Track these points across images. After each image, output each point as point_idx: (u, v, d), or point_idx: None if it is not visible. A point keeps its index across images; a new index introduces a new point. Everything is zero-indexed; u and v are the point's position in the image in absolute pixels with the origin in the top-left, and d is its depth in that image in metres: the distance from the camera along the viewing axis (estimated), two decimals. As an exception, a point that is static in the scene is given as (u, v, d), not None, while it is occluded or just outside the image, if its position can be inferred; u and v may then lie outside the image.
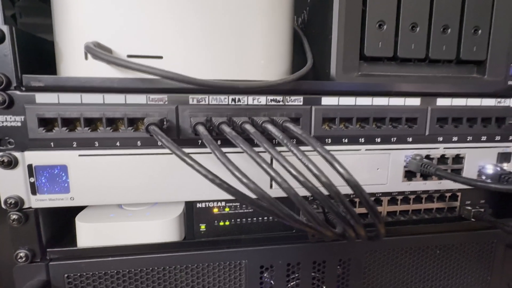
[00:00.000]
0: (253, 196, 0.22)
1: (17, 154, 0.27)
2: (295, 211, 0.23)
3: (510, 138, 0.36)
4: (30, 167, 0.28)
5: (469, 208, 0.38)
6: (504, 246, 0.39)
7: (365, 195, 0.22)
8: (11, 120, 0.27)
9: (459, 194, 0.39)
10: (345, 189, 0.22)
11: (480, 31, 0.33)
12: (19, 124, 0.27)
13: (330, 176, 0.22)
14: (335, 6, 0.31)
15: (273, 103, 0.30)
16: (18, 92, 0.27)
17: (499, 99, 0.35)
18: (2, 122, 0.27)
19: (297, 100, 0.31)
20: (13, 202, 0.28)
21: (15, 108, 0.27)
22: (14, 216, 0.28)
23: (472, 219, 0.38)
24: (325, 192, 0.22)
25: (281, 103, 0.31)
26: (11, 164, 0.27)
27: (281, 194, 0.22)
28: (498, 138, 0.36)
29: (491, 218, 0.37)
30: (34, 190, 0.28)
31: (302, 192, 0.22)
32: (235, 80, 0.29)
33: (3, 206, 0.28)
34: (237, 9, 0.29)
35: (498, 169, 0.35)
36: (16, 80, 0.26)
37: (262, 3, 0.30)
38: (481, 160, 0.36)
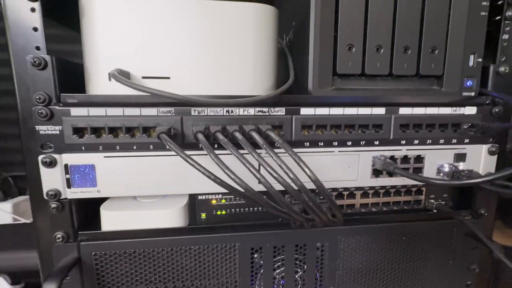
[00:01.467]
0: (240, 188, 0.29)
1: (56, 156, 0.34)
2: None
3: (465, 141, 0.42)
4: (66, 166, 0.35)
5: (432, 201, 0.45)
6: (463, 234, 0.45)
7: (325, 190, 0.28)
8: (52, 129, 0.34)
9: (424, 189, 0.45)
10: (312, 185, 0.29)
11: (437, 51, 0.39)
12: (57, 132, 0.34)
13: (299, 174, 0.29)
14: (311, 31, 0.37)
15: (260, 113, 0.37)
16: (57, 107, 0.34)
17: (454, 108, 0.41)
18: (45, 130, 0.34)
19: (280, 111, 0.37)
20: (53, 194, 0.35)
21: (54, 120, 0.34)
22: (54, 205, 0.35)
23: (435, 211, 0.44)
24: (294, 186, 0.28)
25: (266, 113, 0.37)
26: (52, 164, 0.34)
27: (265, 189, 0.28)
28: (454, 141, 0.42)
29: (449, 210, 0.43)
30: (69, 184, 0.35)
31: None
32: (229, 95, 0.36)
33: (45, 197, 0.35)
34: (231, 39, 0.36)
35: (453, 167, 0.41)
36: (55, 97, 0.34)
37: (253, 33, 0.37)
38: (439, 160, 0.42)
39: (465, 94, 0.41)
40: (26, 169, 0.35)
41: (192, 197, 0.40)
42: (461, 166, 0.42)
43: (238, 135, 0.32)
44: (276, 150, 0.31)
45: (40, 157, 0.34)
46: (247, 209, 0.41)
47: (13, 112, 0.86)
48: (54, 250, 0.36)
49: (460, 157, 0.42)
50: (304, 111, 0.38)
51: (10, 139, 0.91)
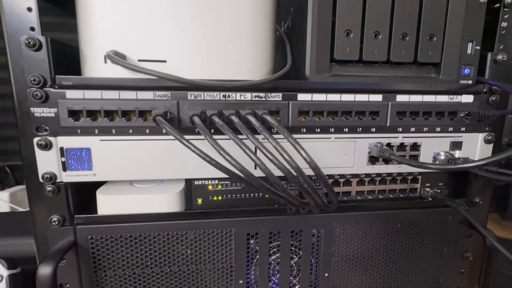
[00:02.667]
0: (236, 171, 0.29)
1: (51, 138, 0.34)
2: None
3: (461, 129, 0.42)
4: (61, 149, 0.35)
5: (428, 189, 0.45)
6: (458, 222, 0.45)
7: (320, 172, 0.28)
8: (47, 112, 0.34)
9: (419, 177, 0.45)
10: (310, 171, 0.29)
11: (435, 38, 0.39)
12: (53, 115, 0.34)
13: (296, 158, 0.29)
14: (309, 17, 0.37)
15: (257, 98, 0.37)
16: (52, 90, 0.34)
17: (451, 96, 0.41)
18: (40, 113, 0.34)
19: (277, 96, 0.37)
20: (48, 176, 0.35)
21: (50, 102, 0.34)
22: (49, 188, 0.35)
23: (430, 199, 0.44)
24: (290, 169, 0.28)
25: (263, 98, 0.37)
26: (47, 146, 0.34)
27: (263, 174, 0.28)
28: (451, 129, 0.42)
29: (444, 197, 0.43)
30: (64, 167, 0.35)
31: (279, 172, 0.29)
32: (226, 80, 0.36)
33: (40, 180, 0.35)
34: (229, 22, 0.36)
35: (448, 155, 0.41)
36: (50, 79, 0.33)
37: (250, 18, 0.36)
38: (435, 148, 0.42)
39: (462, 82, 0.41)
40: (22, 152, 0.35)
41: (189, 182, 0.40)
42: (457, 154, 0.42)
43: (234, 118, 0.32)
44: (273, 135, 0.31)
45: (36, 140, 0.34)
46: (243, 195, 0.41)
47: (9, 100, 0.86)
48: (50, 233, 0.37)
49: (456, 145, 0.42)
50: (301, 97, 0.38)
51: (6, 128, 0.91)
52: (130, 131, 0.36)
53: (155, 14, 0.34)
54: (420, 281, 0.47)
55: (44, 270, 0.32)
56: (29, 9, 0.32)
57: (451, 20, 0.39)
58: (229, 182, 0.41)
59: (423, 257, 0.46)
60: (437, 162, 0.42)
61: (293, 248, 0.43)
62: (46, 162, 0.35)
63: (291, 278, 0.44)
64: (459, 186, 0.46)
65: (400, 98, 0.40)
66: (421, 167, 0.34)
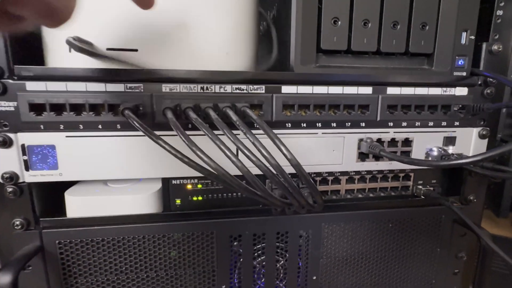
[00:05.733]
0: (211, 170, 0.26)
1: (11, 135, 0.31)
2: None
3: (455, 124, 0.40)
4: (23, 146, 0.32)
5: (420, 187, 0.43)
6: (452, 221, 0.43)
7: (302, 170, 0.26)
8: (5, 105, 0.31)
9: (412, 174, 0.43)
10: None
11: (427, 27, 0.37)
12: (12, 109, 0.31)
13: (278, 157, 0.26)
14: (293, 4, 0.34)
15: (237, 91, 0.34)
16: (10, 81, 0.30)
17: (445, 88, 0.39)
18: (-2, 107, 0.31)
19: (259, 89, 0.35)
20: (8, 176, 0.32)
21: (8, 95, 0.31)
22: (10, 189, 0.32)
23: (422, 197, 0.42)
24: (270, 167, 0.26)
25: (245, 91, 0.34)
26: (6, 143, 0.31)
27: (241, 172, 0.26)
28: (444, 123, 0.40)
29: (437, 195, 0.41)
30: (27, 166, 0.32)
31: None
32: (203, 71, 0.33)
33: (0, 180, 0.32)
34: (207, 7, 0.33)
35: (441, 151, 0.39)
36: (8, 70, 0.30)
37: (227, 4, 0.34)
38: (428, 144, 0.40)
39: (456, 73, 0.39)
40: (-21, 150, 0.32)
41: (166, 182, 0.37)
42: (451, 150, 0.40)
43: (211, 112, 0.29)
44: (255, 132, 0.29)
45: (-7, 136, 0.31)
46: (225, 194, 0.39)
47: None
48: (13, 238, 0.34)
49: (450, 141, 0.40)
50: (286, 89, 0.35)
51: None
52: (99, 126, 0.33)
53: (126, -2, 0.31)
54: (412, 282, 0.45)
55: (3, 279, 0.29)
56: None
57: (445, 8, 0.37)
58: (209, 182, 0.38)
59: (416, 258, 0.44)
60: (429, 159, 0.40)
61: (279, 250, 0.40)
62: (6, 160, 0.32)
63: (277, 282, 0.41)
64: (452, 184, 0.44)
65: (391, 90, 0.38)
66: (413, 164, 0.32)
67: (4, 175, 0.32)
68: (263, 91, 0.35)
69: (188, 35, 0.33)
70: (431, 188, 0.42)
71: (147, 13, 0.31)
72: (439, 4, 0.37)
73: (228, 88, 0.34)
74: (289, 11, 0.35)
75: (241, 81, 0.34)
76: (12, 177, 0.32)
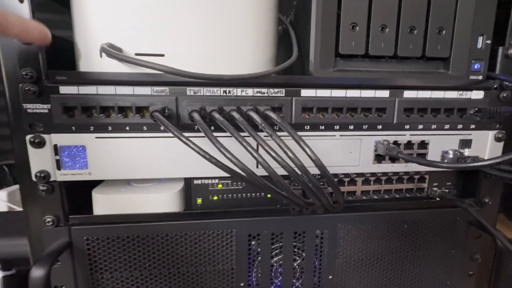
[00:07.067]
0: (237, 169, 0.27)
1: (45, 136, 0.33)
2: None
3: (471, 127, 0.41)
4: (55, 147, 0.33)
5: (436, 189, 0.43)
6: (467, 223, 0.44)
7: (326, 170, 0.27)
8: (40, 108, 0.32)
9: (427, 176, 0.44)
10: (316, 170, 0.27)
11: (444, 32, 0.38)
12: (46, 111, 0.33)
13: (302, 158, 0.27)
14: (313, 10, 0.35)
15: (258, 94, 0.35)
16: (45, 85, 0.32)
17: (461, 92, 0.40)
18: (33, 109, 0.32)
19: (279, 92, 0.36)
20: (42, 175, 0.33)
21: (43, 98, 0.32)
22: (43, 188, 0.34)
23: (438, 199, 0.43)
24: (296, 169, 0.27)
25: (266, 94, 0.36)
26: (40, 144, 0.33)
27: (266, 173, 0.27)
28: (460, 126, 0.40)
29: (453, 197, 0.42)
30: (58, 166, 0.34)
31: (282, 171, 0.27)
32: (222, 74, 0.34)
33: (33, 179, 0.34)
34: (229, 13, 0.34)
35: (457, 153, 0.39)
36: (44, 74, 0.32)
37: (251, 10, 0.35)
38: (444, 146, 0.40)
39: (472, 77, 0.39)
40: (14, 149, 0.33)
41: (188, 182, 0.39)
42: (467, 152, 0.41)
43: (235, 114, 0.31)
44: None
45: (28, 137, 0.32)
46: (244, 194, 0.40)
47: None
48: (44, 234, 0.35)
49: (466, 143, 0.41)
50: (305, 92, 0.36)
51: (2, 127, 0.89)
52: (127, 128, 0.34)
53: (152, 5, 0.33)
54: (427, 283, 0.46)
55: (37, 273, 0.31)
56: (21, 1, 0.30)
57: (461, 13, 0.37)
58: (229, 181, 0.39)
59: (430, 259, 0.45)
60: (445, 161, 0.40)
61: (296, 250, 0.41)
62: (40, 160, 0.33)
63: (294, 281, 0.42)
64: (467, 186, 0.45)
65: (408, 94, 0.39)
66: (431, 166, 0.33)
67: (37, 174, 0.33)
68: (283, 94, 0.36)
69: (214, 40, 0.34)
70: (447, 190, 0.43)
71: (174, 18, 0.33)
72: (455, 9, 0.37)
73: (250, 91, 0.35)
74: (308, 17, 0.36)
75: (262, 84, 0.35)
76: (45, 176, 0.33)
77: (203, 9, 0.33)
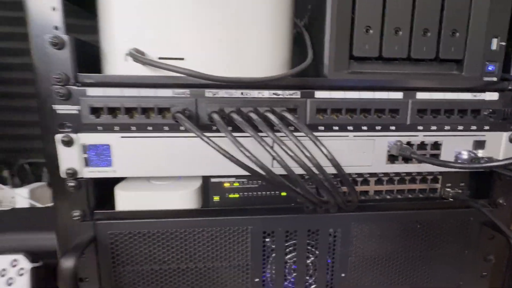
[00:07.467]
0: (255, 167, 0.29)
1: (73, 135, 0.35)
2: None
3: (485, 128, 0.41)
4: (83, 145, 0.35)
5: (449, 189, 0.44)
6: (480, 223, 0.44)
7: (341, 169, 0.28)
8: (69, 109, 0.35)
9: (440, 177, 0.44)
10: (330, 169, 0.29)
11: (457, 34, 0.38)
12: (75, 112, 0.35)
13: (318, 158, 0.28)
14: (327, 13, 0.36)
15: (274, 96, 0.37)
16: (74, 87, 0.34)
17: (475, 93, 0.40)
18: (63, 110, 0.34)
19: (294, 94, 0.37)
20: (71, 172, 0.35)
21: (72, 100, 0.34)
22: (71, 184, 0.36)
23: (451, 199, 0.43)
24: (310, 166, 0.28)
25: (281, 96, 0.37)
26: (69, 143, 0.35)
27: (280, 172, 0.28)
28: (474, 127, 0.41)
29: (466, 198, 0.42)
30: (86, 163, 0.36)
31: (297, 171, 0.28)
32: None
33: (63, 175, 0.36)
34: (246, 19, 0.36)
35: (472, 154, 0.40)
36: (73, 77, 0.34)
37: (268, 16, 0.36)
38: (457, 147, 0.41)
39: (486, 79, 0.40)
40: (44, 148, 0.35)
41: (205, 180, 0.40)
42: (480, 153, 0.41)
43: (253, 115, 0.32)
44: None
45: (58, 136, 0.35)
46: (259, 193, 0.41)
47: (29, 100, 0.88)
48: (71, 228, 0.37)
49: (479, 145, 0.41)
50: (319, 94, 0.38)
51: (24, 127, 0.93)
52: (149, 128, 0.36)
53: (173, 12, 0.34)
54: (439, 283, 0.46)
55: (67, 264, 0.33)
56: (53, 9, 0.33)
57: (475, 15, 0.38)
58: (245, 180, 0.41)
59: (443, 259, 0.45)
60: (459, 161, 0.41)
61: (309, 247, 0.42)
62: (69, 158, 0.35)
63: (307, 278, 0.43)
64: (481, 187, 0.45)
65: (421, 95, 0.39)
66: (444, 166, 0.33)
67: (67, 171, 0.35)
68: (298, 96, 0.37)
69: (231, 44, 0.36)
70: (460, 191, 0.43)
71: (194, 24, 0.34)
72: (469, 12, 0.38)
73: (266, 93, 0.37)
74: (322, 21, 0.37)
75: (277, 86, 0.37)
76: (73, 173, 0.36)
77: (222, 15, 0.35)
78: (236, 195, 0.41)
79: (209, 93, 0.36)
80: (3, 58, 0.89)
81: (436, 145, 0.41)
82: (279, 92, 0.37)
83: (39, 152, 0.95)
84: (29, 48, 0.33)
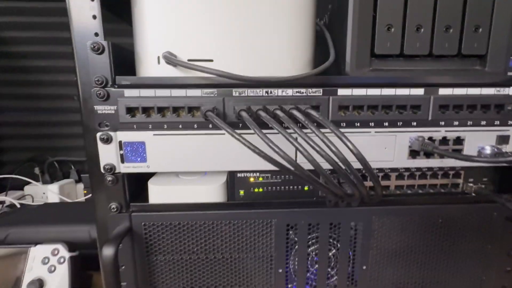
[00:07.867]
0: (283, 161, 0.30)
1: (111, 133, 0.38)
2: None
3: (509, 123, 0.41)
4: (120, 143, 0.38)
5: (471, 184, 0.44)
6: (504, 218, 0.44)
7: (366, 163, 0.29)
8: (108, 109, 0.37)
9: (462, 172, 0.44)
10: (355, 165, 0.30)
11: (480, 30, 0.38)
12: (113, 111, 0.37)
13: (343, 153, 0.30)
14: (349, 12, 0.38)
15: (298, 94, 0.38)
16: (112, 89, 0.37)
17: (498, 88, 0.40)
18: (102, 110, 0.37)
19: (317, 92, 0.38)
20: (109, 168, 0.38)
21: (110, 100, 0.37)
22: (109, 178, 0.39)
23: (474, 194, 0.43)
24: (336, 160, 0.30)
25: (304, 94, 0.38)
26: (108, 140, 0.38)
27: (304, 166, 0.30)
28: (497, 122, 0.41)
29: (490, 193, 0.42)
30: (122, 159, 0.39)
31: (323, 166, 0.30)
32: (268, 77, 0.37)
33: (102, 171, 0.39)
34: (270, 21, 0.37)
35: (495, 149, 0.40)
36: (111, 79, 0.37)
37: (291, 16, 0.38)
38: (480, 142, 0.41)
39: (510, 74, 0.40)
40: (86, 145, 0.38)
41: (231, 175, 0.42)
42: (504, 148, 0.41)
43: (279, 113, 0.34)
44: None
45: (98, 134, 0.37)
46: (283, 187, 0.43)
47: (57, 100, 0.93)
48: (109, 220, 0.40)
49: (503, 139, 0.41)
50: (341, 92, 0.39)
51: (53, 126, 0.98)
52: (180, 126, 0.38)
53: (201, 17, 0.37)
54: (461, 278, 0.47)
55: (108, 251, 0.36)
56: (94, 17, 0.35)
57: (498, 10, 0.38)
58: (270, 175, 0.42)
59: (465, 254, 0.45)
60: (482, 156, 0.41)
61: (331, 240, 0.44)
62: (107, 154, 0.38)
63: (329, 270, 0.45)
64: (505, 182, 0.45)
65: (443, 91, 0.40)
66: (468, 160, 0.34)
67: (105, 166, 0.38)
68: (321, 94, 0.38)
69: (257, 45, 0.38)
70: (483, 186, 0.43)
71: (222, 27, 0.36)
72: (492, 7, 0.38)
73: (290, 91, 0.38)
74: (344, 20, 0.39)
75: (301, 85, 0.38)
76: (112, 168, 0.38)
77: (248, 18, 0.37)
78: (261, 189, 0.43)
79: (235, 92, 0.38)
80: (31, 61, 0.95)
81: (459, 140, 0.41)
82: (302, 90, 0.38)
83: (66, 150, 1.01)
84: (71, 52, 0.36)
